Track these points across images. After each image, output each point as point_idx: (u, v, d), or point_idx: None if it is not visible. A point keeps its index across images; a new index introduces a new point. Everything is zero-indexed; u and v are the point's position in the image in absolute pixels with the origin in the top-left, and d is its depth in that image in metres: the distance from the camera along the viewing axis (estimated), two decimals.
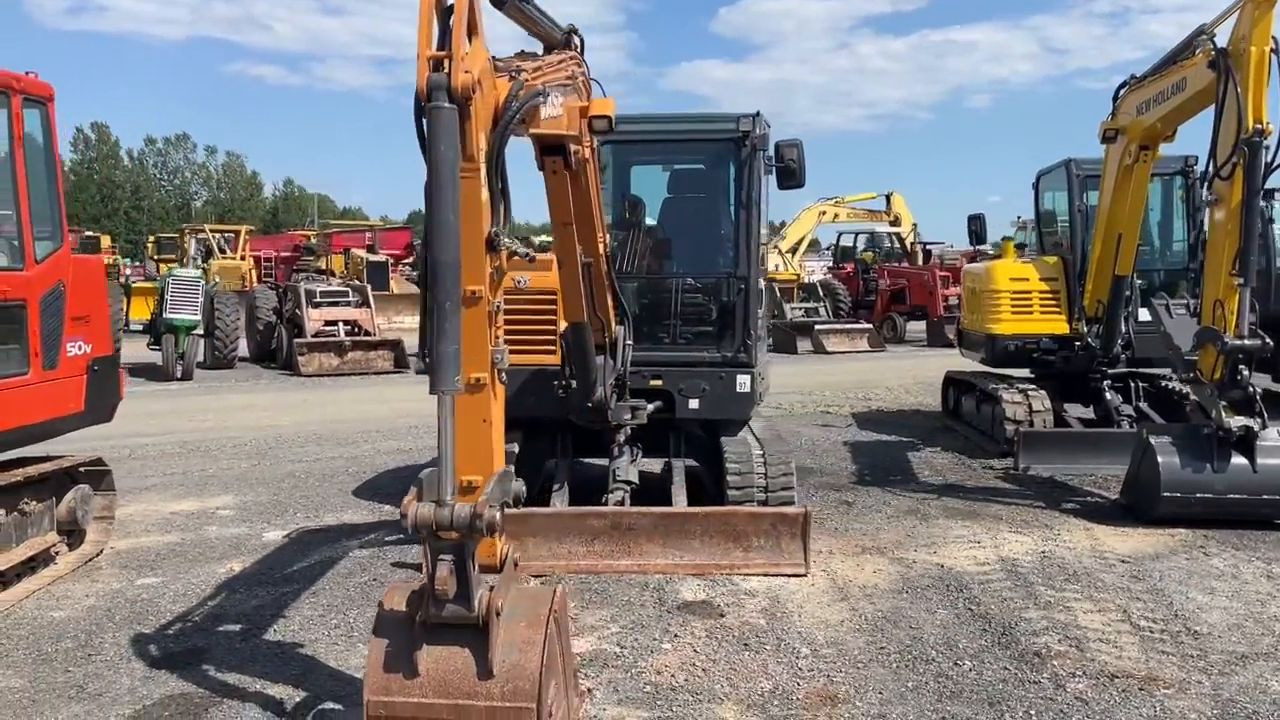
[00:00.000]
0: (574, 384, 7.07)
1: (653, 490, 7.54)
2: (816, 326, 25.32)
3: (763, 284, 7.78)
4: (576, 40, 5.98)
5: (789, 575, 6.51)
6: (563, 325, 7.14)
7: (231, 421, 13.37)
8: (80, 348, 6.69)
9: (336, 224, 54.14)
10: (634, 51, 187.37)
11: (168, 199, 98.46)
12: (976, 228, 12.60)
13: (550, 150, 5.81)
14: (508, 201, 4.27)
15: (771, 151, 7.57)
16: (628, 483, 7.25)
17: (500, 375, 4.22)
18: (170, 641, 5.44)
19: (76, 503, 6.88)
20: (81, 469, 7.07)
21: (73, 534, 6.98)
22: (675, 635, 5.50)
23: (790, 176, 7.56)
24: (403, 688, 3.92)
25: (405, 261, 37.93)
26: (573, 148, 5.81)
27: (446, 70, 3.69)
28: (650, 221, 8.50)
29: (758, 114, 7.70)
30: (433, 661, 3.95)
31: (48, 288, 6.32)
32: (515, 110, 4.10)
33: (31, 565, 6.51)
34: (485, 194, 4.05)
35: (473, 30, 3.99)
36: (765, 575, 6.50)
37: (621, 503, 7.06)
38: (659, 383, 7.64)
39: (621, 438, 7.57)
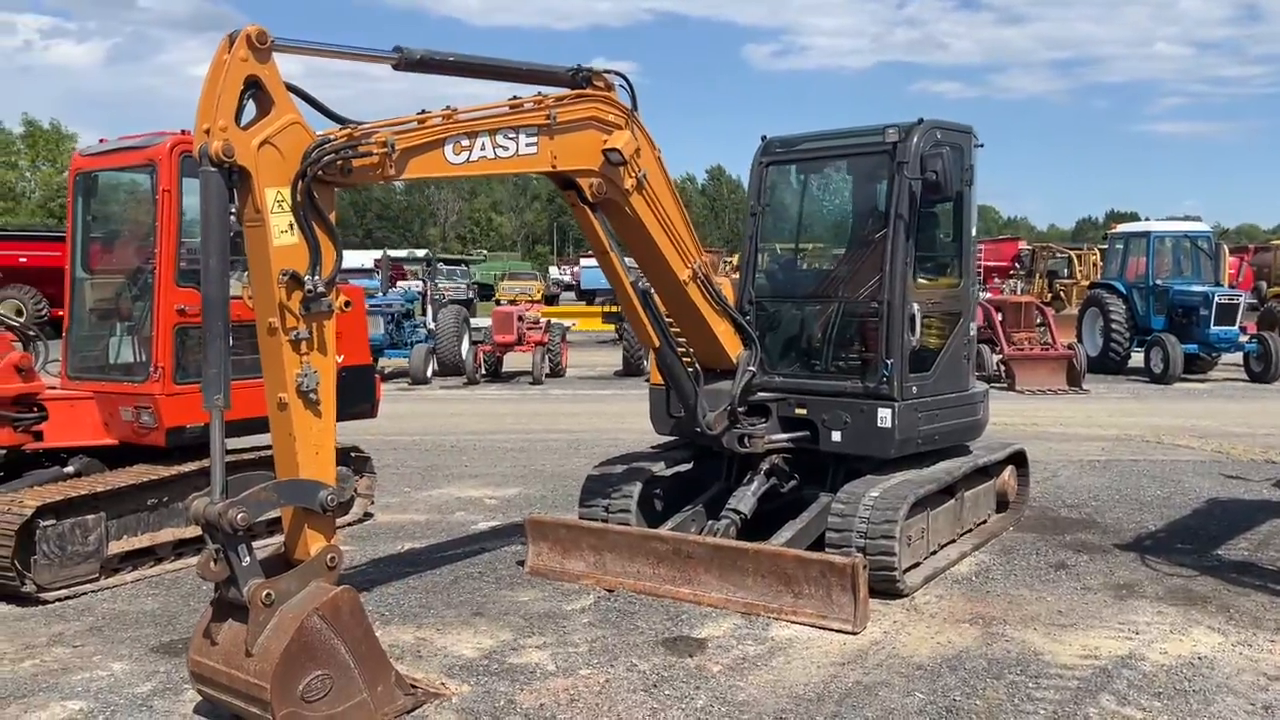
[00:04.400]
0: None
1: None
2: None
3: (916, 308, 6.99)
4: (617, 80, 6.21)
5: (837, 631, 5.96)
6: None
7: (611, 425, 14.56)
8: None
9: None
10: None
11: None
12: None
13: (566, 186, 6.18)
14: (336, 244, 4.83)
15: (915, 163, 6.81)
16: (736, 512, 7.09)
17: (311, 396, 4.80)
18: None
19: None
20: (350, 454, 8.88)
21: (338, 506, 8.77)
22: (611, 666, 5.49)
23: (935, 190, 6.75)
24: (209, 652, 4.77)
25: (1011, 273, 37.24)
26: (587, 182, 6.10)
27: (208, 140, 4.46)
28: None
29: (919, 122, 6.98)
30: (230, 634, 4.74)
31: None
32: (307, 166, 4.67)
33: None
34: (291, 238, 4.70)
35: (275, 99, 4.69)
36: (814, 626, 6.03)
37: (718, 532, 6.95)
38: (803, 412, 7.30)
39: (765, 465, 7.40)
